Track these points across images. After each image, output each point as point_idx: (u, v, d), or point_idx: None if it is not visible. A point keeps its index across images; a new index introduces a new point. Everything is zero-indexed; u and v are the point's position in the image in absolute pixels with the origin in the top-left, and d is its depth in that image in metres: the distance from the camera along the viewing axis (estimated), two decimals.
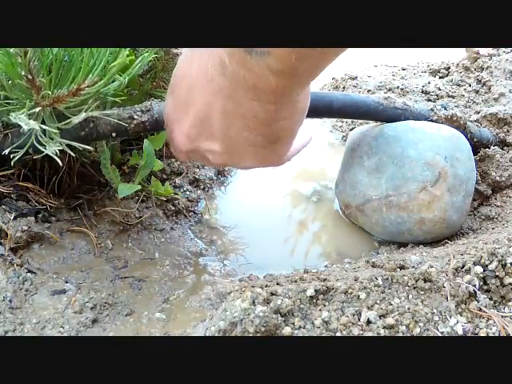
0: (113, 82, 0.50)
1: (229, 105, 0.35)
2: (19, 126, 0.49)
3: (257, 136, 0.37)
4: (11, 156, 0.48)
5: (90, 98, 0.49)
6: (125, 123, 0.55)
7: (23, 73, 0.45)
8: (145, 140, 0.63)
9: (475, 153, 0.73)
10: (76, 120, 0.48)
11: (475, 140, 0.76)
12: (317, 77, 0.35)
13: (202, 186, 0.78)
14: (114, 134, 0.55)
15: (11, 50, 0.44)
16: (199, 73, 0.35)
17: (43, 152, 0.47)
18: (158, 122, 0.57)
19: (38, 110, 0.47)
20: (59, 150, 0.47)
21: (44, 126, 0.47)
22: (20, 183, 0.58)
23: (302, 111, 0.39)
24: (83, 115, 0.48)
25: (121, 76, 0.51)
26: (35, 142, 0.47)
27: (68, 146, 0.49)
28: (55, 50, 0.47)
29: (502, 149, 0.79)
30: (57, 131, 0.48)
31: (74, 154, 0.50)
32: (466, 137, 0.69)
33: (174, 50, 0.65)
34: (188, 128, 0.39)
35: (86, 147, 0.50)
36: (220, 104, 0.35)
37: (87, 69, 0.47)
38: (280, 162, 0.43)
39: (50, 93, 0.47)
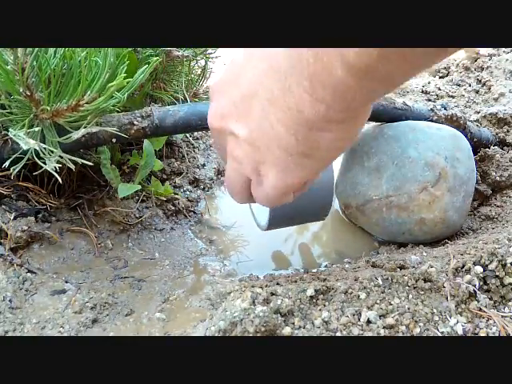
0: (111, 97, 0.50)
1: (277, 89, 0.30)
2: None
3: (290, 136, 0.31)
4: (11, 169, 0.48)
5: (90, 114, 0.49)
6: (125, 129, 0.55)
7: (21, 89, 0.45)
8: (145, 140, 0.63)
9: (475, 153, 0.73)
10: (75, 136, 0.48)
11: (475, 140, 0.76)
12: (389, 91, 0.31)
13: (202, 186, 0.78)
14: (114, 140, 0.55)
15: (8, 67, 0.44)
16: (265, 55, 0.31)
17: (42, 168, 0.47)
18: (158, 127, 0.57)
19: (37, 129, 0.47)
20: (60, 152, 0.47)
21: (43, 145, 0.47)
22: (20, 183, 0.58)
23: (353, 133, 0.33)
24: (82, 131, 0.48)
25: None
26: (35, 157, 0.47)
27: (68, 154, 0.49)
28: (53, 63, 0.47)
29: (502, 149, 0.79)
30: (56, 149, 0.48)
31: (73, 167, 0.49)
32: (466, 137, 0.69)
33: (175, 53, 0.65)
34: (225, 103, 0.35)
35: (87, 163, 0.50)
36: (269, 85, 0.31)
37: (86, 83, 0.47)
38: (288, 188, 0.35)
39: (48, 108, 0.47)
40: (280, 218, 0.54)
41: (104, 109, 0.50)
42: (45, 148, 0.47)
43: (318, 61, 0.27)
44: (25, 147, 0.44)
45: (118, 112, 0.56)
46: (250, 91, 0.32)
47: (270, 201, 0.37)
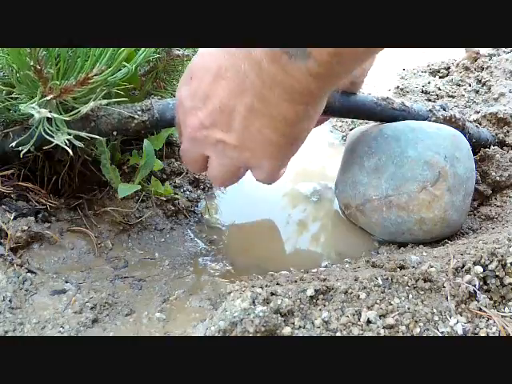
0: (119, 70, 0.50)
1: (257, 103, 0.35)
2: (22, 123, 0.49)
3: (278, 136, 0.38)
4: (20, 148, 0.48)
5: (98, 88, 0.49)
6: (125, 122, 0.55)
7: (32, 63, 0.45)
8: (145, 140, 0.63)
9: (474, 153, 0.73)
10: (84, 109, 0.49)
11: (474, 140, 0.76)
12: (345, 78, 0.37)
13: (202, 186, 0.78)
14: (114, 133, 0.55)
15: None
16: (231, 69, 0.35)
17: (52, 143, 0.47)
18: (158, 121, 0.57)
19: (48, 97, 0.47)
20: (63, 148, 0.47)
21: (55, 115, 0.47)
22: (20, 183, 0.58)
23: (321, 111, 0.40)
24: (92, 104, 0.49)
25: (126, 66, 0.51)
26: (43, 133, 0.47)
27: (73, 139, 0.49)
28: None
29: (502, 149, 0.79)
30: (65, 121, 0.48)
31: (82, 145, 0.50)
32: (465, 137, 0.69)
33: (176, 52, 0.65)
34: (204, 116, 0.40)
35: (95, 136, 0.50)
36: (248, 100, 0.36)
37: (94, 58, 0.47)
38: (283, 166, 0.44)
39: (57, 83, 0.47)
40: None
41: (112, 81, 0.50)
42: (50, 123, 0.48)
43: (290, 76, 0.32)
44: (37, 116, 0.45)
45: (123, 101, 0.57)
46: (227, 106, 0.37)
47: (269, 181, 0.47)
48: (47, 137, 0.47)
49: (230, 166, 0.44)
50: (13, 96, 0.51)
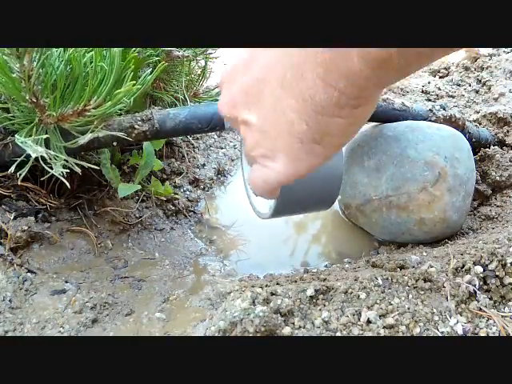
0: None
1: (290, 75, 0.31)
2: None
3: (302, 123, 0.32)
4: (18, 174, 0.48)
5: (96, 119, 0.49)
6: (126, 133, 0.55)
7: (27, 97, 0.45)
8: None
9: (474, 153, 0.73)
10: (81, 141, 0.48)
11: (474, 140, 0.76)
12: (402, 78, 0.31)
13: (202, 186, 0.78)
14: (114, 143, 0.55)
15: (14, 75, 0.44)
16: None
17: (49, 173, 0.47)
18: (158, 131, 0.57)
19: (44, 136, 0.47)
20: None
21: (51, 152, 0.47)
22: (20, 183, 0.58)
23: (363, 118, 0.33)
24: (89, 136, 0.48)
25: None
26: (41, 162, 0.47)
27: (70, 157, 0.49)
28: (58, 67, 0.47)
29: (502, 149, 0.79)
30: (61, 154, 0.48)
31: (79, 171, 0.49)
32: (465, 137, 0.69)
33: (176, 53, 0.65)
34: (236, 91, 0.35)
35: (92, 166, 0.50)
36: (281, 72, 0.31)
37: (92, 88, 0.47)
38: (296, 177, 0.35)
39: (54, 114, 0.47)
40: (285, 206, 0.50)
41: (110, 114, 0.50)
42: (49, 148, 0.47)
43: (333, 50, 0.27)
44: (33, 155, 0.44)
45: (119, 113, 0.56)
46: (261, 77, 0.33)
47: (267, 187, 0.36)
48: (45, 167, 0.46)
49: (249, 158, 0.37)
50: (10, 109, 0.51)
